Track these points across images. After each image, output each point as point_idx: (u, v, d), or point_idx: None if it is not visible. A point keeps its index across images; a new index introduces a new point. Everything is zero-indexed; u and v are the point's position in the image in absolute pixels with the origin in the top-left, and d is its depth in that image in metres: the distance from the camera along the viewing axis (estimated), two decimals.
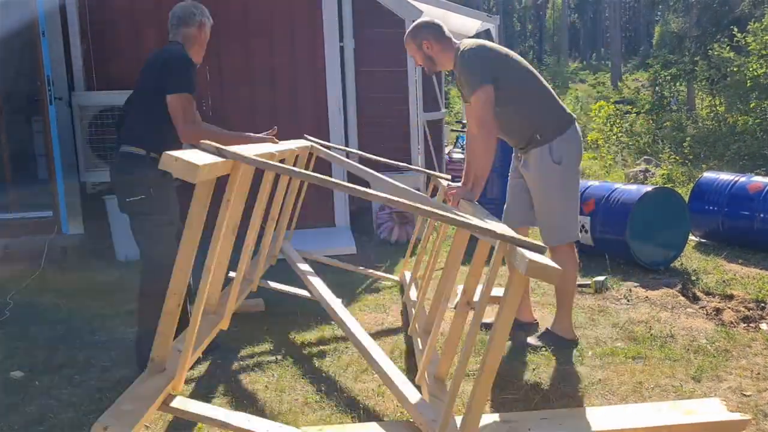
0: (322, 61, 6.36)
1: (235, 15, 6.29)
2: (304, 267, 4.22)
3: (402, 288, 4.66)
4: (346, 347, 3.71)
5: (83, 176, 5.74)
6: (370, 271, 4.95)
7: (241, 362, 3.52)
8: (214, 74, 6.35)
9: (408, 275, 4.58)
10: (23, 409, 3.07)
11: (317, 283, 3.92)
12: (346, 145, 6.55)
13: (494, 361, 2.11)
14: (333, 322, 4.10)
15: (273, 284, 4.13)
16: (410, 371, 3.23)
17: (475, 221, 2.47)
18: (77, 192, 5.95)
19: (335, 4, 6.41)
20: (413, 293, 4.29)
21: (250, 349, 3.70)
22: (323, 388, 3.16)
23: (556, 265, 1.99)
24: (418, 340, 3.43)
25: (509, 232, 2.40)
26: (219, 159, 2.18)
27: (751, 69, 10.87)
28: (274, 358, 3.57)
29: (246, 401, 3.05)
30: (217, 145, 2.22)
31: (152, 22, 6.17)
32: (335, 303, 3.62)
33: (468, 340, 2.30)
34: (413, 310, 3.89)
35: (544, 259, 2.03)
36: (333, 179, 2.28)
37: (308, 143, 4.37)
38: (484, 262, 2.57)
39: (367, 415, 2.88)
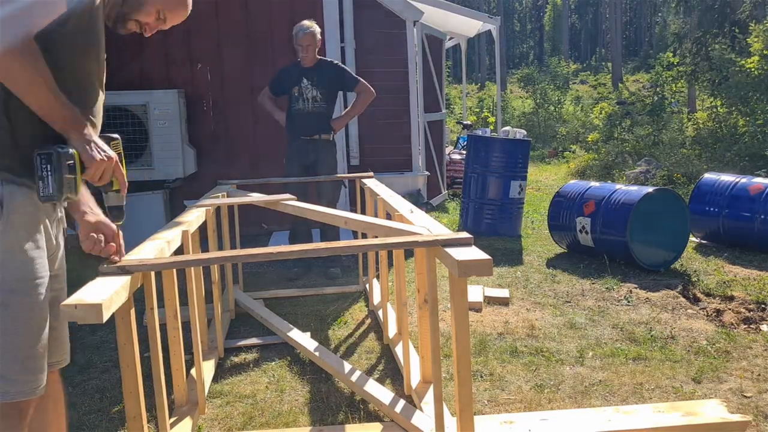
0: None
1: (236, 15, 6.30)
2: (263, 312, 4.16)
3: (366, 296, 4.63)
4: (347, 348, 3.72)
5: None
6: (328, 289, 4.84)
7: (242, 362, 3.53)
8: (215, 74, 6.37)
9: (368, 283, 4.54)
10: None
11: (282, 325, 3.89)
12: (347, 146, 6.55)
13: (465, 362, 2.13)
14: (333, 323, 4.11)
15: (241, 342, 3.81)
16: (398, 377, 3.23)
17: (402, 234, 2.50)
18: None
19: (336, 5, 6.41)
20: (376, 299, 4.32)
21: (251, 350, 3.70)
22: (323, 389, 3.16)
23: (486, 256, 1.98)
24: (396, 349, 3.47)
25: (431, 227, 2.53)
26: (123, 279, 1.94)
27: (754, 70, 10.87)
28: (274, 358, 3.57)
29: (247, 401, 3.06)
30: (120, 262, 2.01)
31: None
32: (306, 341, 3.61)
33: (433, 339, 2.38)
34: (380, 317, 3.93)
35: (474, 254, 2.03)
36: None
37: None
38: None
39: (367, 415, 2.88)
